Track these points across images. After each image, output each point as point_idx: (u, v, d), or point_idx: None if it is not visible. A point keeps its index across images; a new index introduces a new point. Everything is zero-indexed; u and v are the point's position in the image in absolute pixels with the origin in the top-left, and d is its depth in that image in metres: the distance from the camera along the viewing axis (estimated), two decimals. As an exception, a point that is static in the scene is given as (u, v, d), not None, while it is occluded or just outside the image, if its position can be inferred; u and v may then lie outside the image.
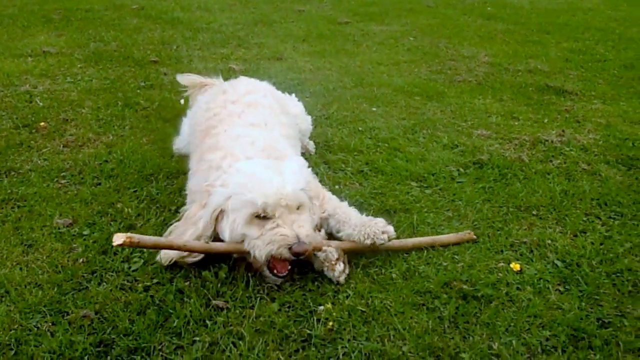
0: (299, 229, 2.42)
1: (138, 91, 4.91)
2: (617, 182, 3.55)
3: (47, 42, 6.41)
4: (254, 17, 8.40)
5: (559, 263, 2.73)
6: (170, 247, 2.50)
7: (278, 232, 2.40)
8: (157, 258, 2.59)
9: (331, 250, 2.55)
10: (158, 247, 2.54)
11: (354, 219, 2.75)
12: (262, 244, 2.41)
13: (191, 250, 2.50)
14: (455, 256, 2.76)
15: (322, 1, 9.97)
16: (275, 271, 2.49)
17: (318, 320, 2.30)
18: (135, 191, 3.25)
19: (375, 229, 2.64)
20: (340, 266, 2.53)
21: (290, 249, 2.39)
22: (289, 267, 2.50)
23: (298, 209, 2.51)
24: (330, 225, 2.82)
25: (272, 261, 2.46)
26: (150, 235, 2.75)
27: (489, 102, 4.98)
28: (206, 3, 9.27)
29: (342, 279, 2.52)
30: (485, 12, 9.36)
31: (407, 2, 10.07)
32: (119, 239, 2.25)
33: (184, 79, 3.94)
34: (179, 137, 3.71)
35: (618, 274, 2.67)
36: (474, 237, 2.88)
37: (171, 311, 2.31)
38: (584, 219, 3.15)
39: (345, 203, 2.92)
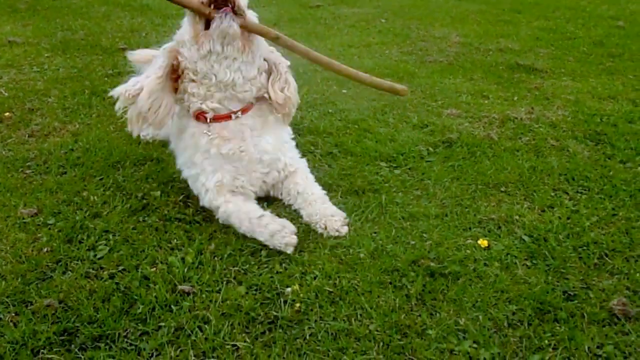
0: None
1: (105, 79, 4.84)
2: (585, 157, 3.58)
3: (13, 32, 6.29)
4: (224, 2, 8.31)
5: (526, 238, 2.75)
6: None
7: None
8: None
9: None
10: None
11: (318, 203, 2.82)
12: None
13: None
14: (424, 234, 2.77)
15: (294, -15, 9.90)
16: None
17: (285, 302, 2.29)
18: (101, 179, 3.20)
19: (332, 225, 2.73)
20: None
21: None
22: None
23: None
24: (298, 202, 2.90)
25: None
26: (117, 220, 2.74)
27: (459, 81, 4.99)
28: (176, -11, 9.14)
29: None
30: (458, -7, 9.37)
31: (379, -16, 10.04)
32: None
33: (134, 56, 3.74)
34: None
35: (584, 247, 2.69)
36: (406, 91, 2.91)
37: (136, 297, 2.28)
38: (552, 194, 3.17)
39: (316, 184, 2.97)
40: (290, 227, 2.61)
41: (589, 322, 2.24)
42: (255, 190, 2.92)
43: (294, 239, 2.57)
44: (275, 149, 2.91)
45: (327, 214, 2.76)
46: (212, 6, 2.53)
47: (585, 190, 3.22)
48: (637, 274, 2.51)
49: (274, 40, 2.72)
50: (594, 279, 2.49)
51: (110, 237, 2.68)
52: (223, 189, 2.80)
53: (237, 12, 2.55)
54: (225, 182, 2.80)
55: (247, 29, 2.62)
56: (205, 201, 2.84)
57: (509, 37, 6.57)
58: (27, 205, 2.94)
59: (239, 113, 2.80)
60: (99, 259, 2.54)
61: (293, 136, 3.10)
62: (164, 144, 3.58)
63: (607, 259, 2.63)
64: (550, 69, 5.36)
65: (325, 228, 2.72)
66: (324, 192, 2.96)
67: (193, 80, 2.73)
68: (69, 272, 2.46)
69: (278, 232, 2.58)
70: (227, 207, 2.76)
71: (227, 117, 2.78)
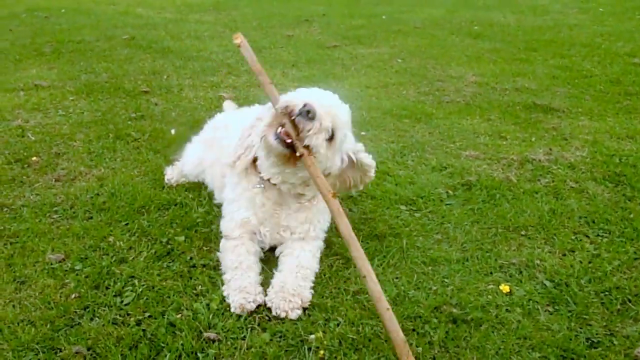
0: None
1: (129, 122, 4.95)
2: (605, 199, 3.59)
3: (38, 76, 6.45)
4: (243, 43, 8.47)
5: (547, 283, 2.76)
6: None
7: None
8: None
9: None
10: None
11: (292, 276, 2.70)
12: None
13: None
14: (445, 279, 2.79)
15: (311, 25, 10.07)
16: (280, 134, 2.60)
17: (309, 349, 2.32)
18: (126, 224, 3.27)
19: (284, 305, 2.55)
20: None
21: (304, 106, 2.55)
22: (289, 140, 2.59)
23: None
24: (281, 262, 2.89)
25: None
26: (142, 266, 2.79)
27: (477, 122, 5.04)
28: (196, 31, 9.35)
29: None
30: (473, 32, 9.47)
31: (395, 23, 10.18)
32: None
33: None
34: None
35: (606, 293, 2.70)
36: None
37: (163, 345, 2.32)
38: (573, 237, 3.18)
39: (313, 259, 2.88)
40: (252, 294, 2.60)
41: (613, 371, 2.24)
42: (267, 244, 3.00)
43: (248, 306, 2.54)
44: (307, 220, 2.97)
45: (288, 291, 2.59)
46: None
47: (606, 233, 3.23)
48: (661, 320, 2.50)
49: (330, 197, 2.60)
50: (617, 325, 2.49)
51: (136, 282, 2.73)
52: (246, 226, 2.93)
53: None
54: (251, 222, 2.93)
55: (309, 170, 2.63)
56: (223, 227, 3.00)
57: (525, 75, 6.63)
58: (55, 250, 3.00)
59: None
60: (125, 305, 2.59)
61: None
62: (188, 188, 3.66)
63: (630, 304, 2.63)
64: (567, 108, 5.40)
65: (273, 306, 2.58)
66: (315, 269, 2.83)
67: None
68: (97, 318, 2.50)
69: (240, 290, 2.60)
70: (231, 244, 2.88)
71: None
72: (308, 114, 2.55)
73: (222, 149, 3.30)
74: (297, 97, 2.65)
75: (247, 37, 8.49)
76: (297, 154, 2.59)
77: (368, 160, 2.94)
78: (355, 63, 7.30)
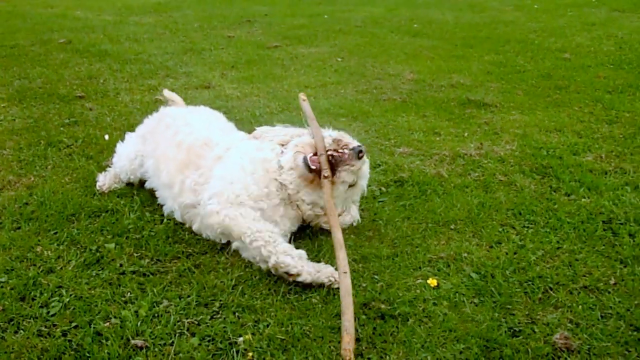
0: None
1: (62, 129, 4.85)
2: (532, 191, 3.70)
3: (-32, 83, 6.26)
4: (183, 45, 8.40)
5: (474, 275, 2.83)
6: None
7: None
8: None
9: None
10: None
11: None
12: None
13: None
14: (375, 276, 2.83)
15: (252, 26, 10.05)
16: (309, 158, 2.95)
17: (237, 351, 2.32)
18: (55, 233, 3.20)
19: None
20: None
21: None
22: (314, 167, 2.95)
23: None
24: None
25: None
26: (70, 275, 2.75)
27: (412, 119, 5.12)
28: (135, 33, 9.23)
29: None
30: (412, 30, 9.62)
31: (336, 23, 10.25)
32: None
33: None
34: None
35: (530, 282, 2.79)
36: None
37: (88, 355, 2.29)
38: (500, 229, 3.27)
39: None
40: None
41: (533, 358, 2.31)
42: None
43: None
44: None
45: None
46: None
47: (531, 224, 3.33)
48: (580, 307, 2.60)
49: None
50: (538, 313, 2.58)
51: (64, 292, 2.68)
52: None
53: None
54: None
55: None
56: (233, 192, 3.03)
57: (461, 72, 6.77)
58: (-21, 263, 2.92)
59: None
60: (51, 315, 2.54)
61: None
62: (120, 194, 3.61)
63: (551, 292, 2.72)
64: (499, 103, 5.54)
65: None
66: None
67: None
68: (21, 330, 2.45)
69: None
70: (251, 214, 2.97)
71: None
72: (359, 153, 2.98)
73: (176, 145, 3.34)
74: (345, 137, 3.12)
75: (187, 39, 8.49)
76: (323, 175, 2.92)
77: (356, 215, 3.27)
78: (295, 63, 7.32)
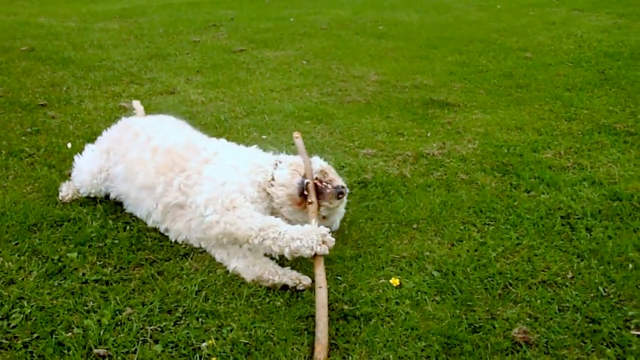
0: None
1: (24, 138, 4.78)
2: (492, 188, 3.77)
3: None
4: (148, 51, 8.34)
5: (436, 273, 2.88)
6: None
7: None
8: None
9: None
10: None
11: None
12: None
13: None
14: (339, 277, 2.86)
15: (218, 30, 10.02)
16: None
17: (201, 357, 2.33)
18: (16, 244, 3.16)
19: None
20: None
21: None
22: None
23: None
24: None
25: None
26: (32, 286, 2.72)
27: (376, 120, 5.17)
28: (100, 40, 9.12)
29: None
30: (377, 31, 9.68)
31: (302, 26, 10.28)
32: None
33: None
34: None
35: (490, 279, 2.84)
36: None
37: (49, 366, 2.28)
38: (461, 227, 3.32)
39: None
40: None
41: (493, 353, 2.36)
42: None
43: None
44: None
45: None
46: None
47: (492, 221, 3.39)
48: (538, 301, 2.66)
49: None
50: (498, 309, 2.63)
51: (25, 303, 2.65)
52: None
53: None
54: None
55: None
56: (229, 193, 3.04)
57: (425, 73, 6.84)
58: (-62, 277, 2.88)
59: None
60: (12, 327, 2.51)
61: None
62: (82, 202, 3.58)
63: (511, 288, 2.78)
64: (462, 102, 5.62)
65: None
66: None
67: None
68: (-19, 344, 2.42)
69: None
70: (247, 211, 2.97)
71: None
72: (340, 194, 3.03)
73: (151, 150, 3.33)
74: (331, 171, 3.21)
75: (152, 44, 8.39)
76: (308, 201, 2.98)
77: None
78: (260, 67, 7.32)
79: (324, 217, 3.10)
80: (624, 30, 9.26)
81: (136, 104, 4.34)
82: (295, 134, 3.47)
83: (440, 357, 2.33)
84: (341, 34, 9.55)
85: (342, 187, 3.05)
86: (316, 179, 3.07)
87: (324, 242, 2.69)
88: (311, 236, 2.70)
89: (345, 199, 3.14)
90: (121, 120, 3.87)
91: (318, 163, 3.26)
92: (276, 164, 3.21)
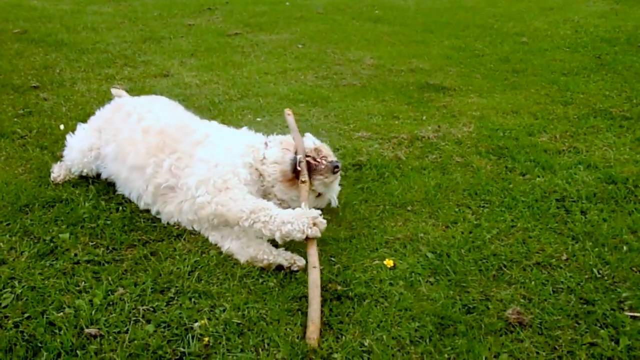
0: None
1: (16, 119, 4.74)
2: (488, 171, 3.75)
3: None
4: (142, 34, 8.27)
5: (430, 255, 2.86)
6: None
7: None
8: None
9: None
10: None
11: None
12: None
13: None
14: (332, 258, 2.85)
15: (213, 13, 9.94)
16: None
17: (193, 337, 2.31)
18: (8, 224, 3.14)
19: None
20: None
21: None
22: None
23: None
24: None
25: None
26: (23, 266, 2.70)
27: (371, 103, 5.14)
28: (93, 23, 9.03)
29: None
30: (373, 16, 9.62)
31: (297, 10, 10.20)
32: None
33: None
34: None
35: (484, 260, 2.83)
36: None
37: (40, 345, 2.25)
38: (456, 209, 3.31)
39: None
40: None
41: (486, 333, 2.35)
42: None
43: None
44: None
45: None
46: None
47: (487, 204, 3.37)
48: (532, 282, 2.65)
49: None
50: (492, 290, 2.62)
51: (16, 284, 2.63)
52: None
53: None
54: None
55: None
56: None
57: (421, 57, 6.80)
58: None
59: None
60: (3, 307, 2.50)
61: None
62: (74, 183, 3.55)
63: (505, 269, 2.77)
64: (458, 86, 5.59)
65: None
66: None
67: None
68: (-28, 324, 2.40)
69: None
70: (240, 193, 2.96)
71: None
72: (335, 168, 3.02)
73: (142, 130, 3.31)
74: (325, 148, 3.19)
75: (146, 27, 8.34)
76: (301, 180, 2.96)
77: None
78: (255, 50, 7.27)
79: (319, 195, 3.09)
80: (620, 16, 9.23)
81: (115, 91, 4.25)
82: (287, 111, 3.47)
83: (433, 337, 2.33)
84: (337, 18, 9.48)
85: (337, 161, 3.05)
86: (309, 156, 3.05)
87: (315, 225, 2.67)
88: (302, 219, 2.68)
89: (339, 175, 3.14)
90: (114, 100, 3.84)
91: (312, 141, 3.24)
92: (266, 144, 3.19)
